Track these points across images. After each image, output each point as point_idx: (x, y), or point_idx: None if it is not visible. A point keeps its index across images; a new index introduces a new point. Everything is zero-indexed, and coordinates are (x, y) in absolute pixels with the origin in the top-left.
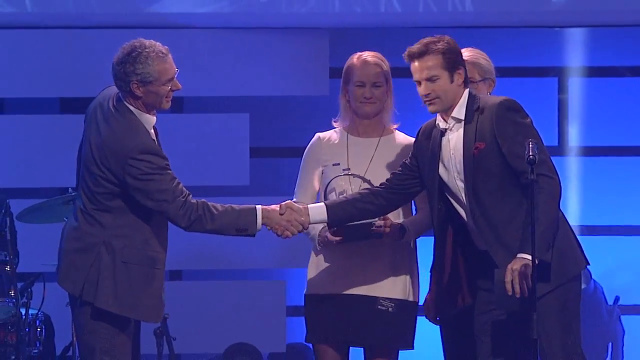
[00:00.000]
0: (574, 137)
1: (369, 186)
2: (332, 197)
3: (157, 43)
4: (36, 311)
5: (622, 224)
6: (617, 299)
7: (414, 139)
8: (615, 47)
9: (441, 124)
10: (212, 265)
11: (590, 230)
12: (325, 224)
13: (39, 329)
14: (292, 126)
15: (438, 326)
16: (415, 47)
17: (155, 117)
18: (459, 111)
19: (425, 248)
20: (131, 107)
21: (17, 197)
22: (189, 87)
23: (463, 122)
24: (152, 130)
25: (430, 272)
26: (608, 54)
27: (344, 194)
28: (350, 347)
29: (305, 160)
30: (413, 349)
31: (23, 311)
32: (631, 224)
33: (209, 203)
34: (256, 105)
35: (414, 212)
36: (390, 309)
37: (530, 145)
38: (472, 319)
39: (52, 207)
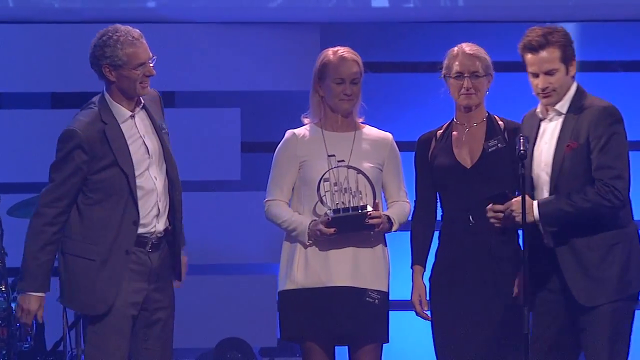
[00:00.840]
0: None
1: (363, 177)
2: (326, 187)
3: (132, 29)
4: None
5: None
6: None
7: (386, 132)
8: (606, 42)
9: (542, 113)
10: (203, 261)
11: None
12: (314, 220)
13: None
14: (284, 121)
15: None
16: (534, 39)
17: (128, 111)
18: (563, 105)
19: (395, 242)
20: (108, 98)
21: (7, 192)
22: (181, 81)
23: (563, 116)
24: (132, 119)
25: (412, 267)
26: (599, 48)
27: (337, 185)
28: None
29: (279, 157)
30: (388, 342)
31: (14, 306)
32: None
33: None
34: (248, 100)
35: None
36: (376, 300)
37: (522, 140)
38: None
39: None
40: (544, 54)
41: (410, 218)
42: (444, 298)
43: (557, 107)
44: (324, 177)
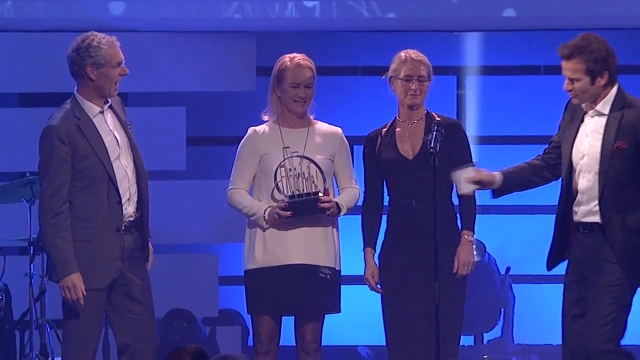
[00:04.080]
0: (471, 127)
1: (314, 165)
2: (282, 172)
3: (105, 34)
4: None
5: (512, 203)
6: (508, 269)
7: (336, 127)
8: (507, 49)
9: (585, 107)
10: (154, 241)
11: (484, 209)
12: (270, 206)
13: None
14: (224, 118)
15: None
16: (565, 49)
17: (99, 107)
18: (604, 106)
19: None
20: (79, 97)
21: None
22: (133, 83)
23: (606, 115)
24: (103, 115)
25: (363, 249)
26: (501, 55)
27: (291, 171)
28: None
29: (242, 151)
30: (340, 312)
31: None
32: (519, 203)
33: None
34: (192, 99)
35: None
36: (328, 276)
37: (435, 134)
38: None
39: (12, 189)
40: (569, 64)
41: (360, 204)
42: (392, 274)
43: (598, 107)
44: (280, 164)
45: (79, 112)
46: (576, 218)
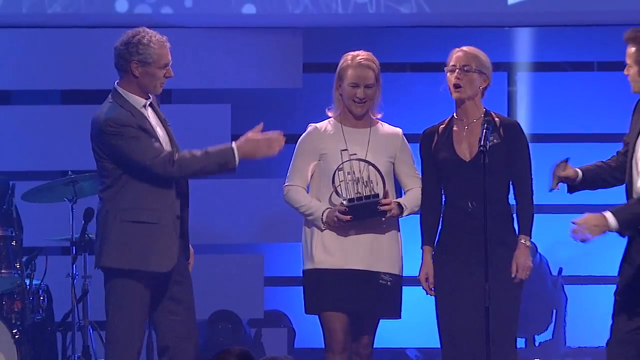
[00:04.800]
0: (521, 124)
1: (374, 168)
2: (340, 176)
3: (157, 32)
4: (39, 282)
5: (564, 203)
6: (560, 270)
7: (396, 128)
8: (557, 45)
9: None
10: (199, 241)
11: (537, 208)
12: (329, 208)
13: (41, 298)
14: (270, 116)
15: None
16: (626, 34)
17: (143, 99)
18: None
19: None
20: (122, 91)
21: (22, 179)
22: (177, 80)
23: None
24: (145, 109)
25: (422, 247)
26: (553, 51)
27: (351, 175)
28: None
29: (301, 148)
30: (400, 318)
31: (27, 282)
32: (572, 203)
33: (187, 151)
34: (238, 97)
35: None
36: (388, 283)
37: (485, 132)
38: None
39: (54, 188)
40: (628, 49)
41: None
42: (446, 275)
43: None
44: (339, 167)
45: (127, 105)
46: None
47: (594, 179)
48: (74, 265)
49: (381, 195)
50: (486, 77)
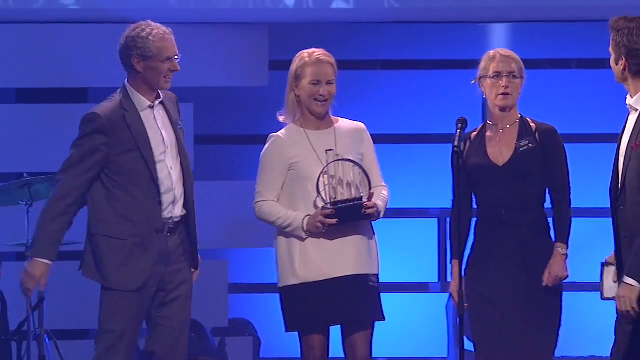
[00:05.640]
0: None
1: (358, 168)
2: (325, 180)
3: (162, 25)
4: None
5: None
6: None
7: (358, 122)
8: (535, 41)
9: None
10: None
11: None
12: (308, 215)
13: None
14: (235, 115)
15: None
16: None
17: (148, 101)
18: (636, 101)
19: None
20: (129, 88)
21: None
22: None
23: (638, 112)
24: (152, 110)
25: (451, 261)
26: (529, 47)
27: (334, 178)
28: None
29: (268, 159)
30: (385, 320)
31: None
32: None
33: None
34: (201, 95)
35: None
36: (376, 284)
37: (458, 132)
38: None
39: (8, 191)
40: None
41: (450, 213)
42: (478, 286)
43: (630, 102)
44: (323, 171)
45: (127, 104)
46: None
47: None
48: None
49: (365, 198)
50: (523, 80)
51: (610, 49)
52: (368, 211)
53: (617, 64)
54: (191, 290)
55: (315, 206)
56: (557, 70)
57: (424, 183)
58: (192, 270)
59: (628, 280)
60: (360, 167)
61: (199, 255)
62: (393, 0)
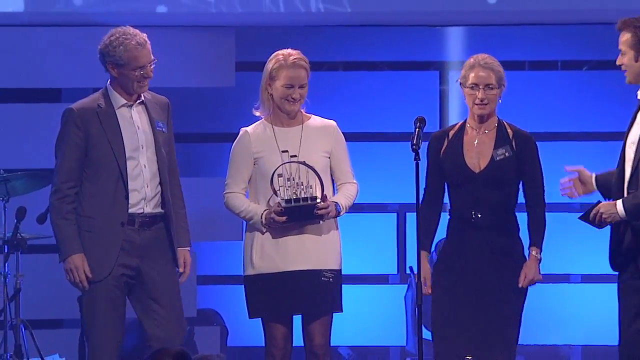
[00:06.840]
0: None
1: (312, 172)
2: (280, 181)
3: (140, 33)
4: None
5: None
6: None
7: (329, 120)
8: (489, 44)
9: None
10: None
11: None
12: (266, 209)
13: None
14: (202, 115)
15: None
16: (619, 22)
17: (124, 100)
18: None
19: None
20: (109, 88)
21: None
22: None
23: None
24: (129, 109)
25: (418, 252)
26: (485, 50)
27: (290, 179)
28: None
29: (235, 153)
30: (342, 311)
31: None
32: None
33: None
34: (168, 96)
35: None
36: (330, 279)
37: (417, 131)
38: None
39: None
40: (621, 36)
41: (420, 204)
42: (444, 277)
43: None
44: (276, 171)
45: (104, 100)
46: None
47: (607, 186)
48: (6, 264)
49: (319, 199)
50: (503, 87)
51: (626, 47)
52: (320, 212)
53: (636, 61)
54: (176, 282)
55: (269, 203)
56: (512, 72)
57: (384, 179)
58: (178, 270)
59: (619, 206)
60: (314, 170)
61: (187, 255)
62: (357, 4)
